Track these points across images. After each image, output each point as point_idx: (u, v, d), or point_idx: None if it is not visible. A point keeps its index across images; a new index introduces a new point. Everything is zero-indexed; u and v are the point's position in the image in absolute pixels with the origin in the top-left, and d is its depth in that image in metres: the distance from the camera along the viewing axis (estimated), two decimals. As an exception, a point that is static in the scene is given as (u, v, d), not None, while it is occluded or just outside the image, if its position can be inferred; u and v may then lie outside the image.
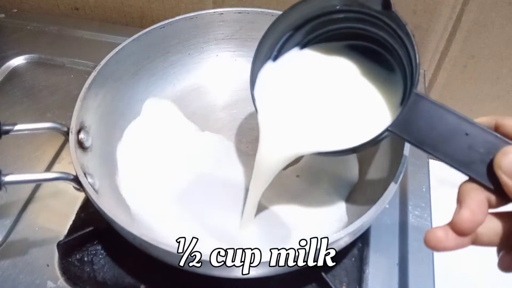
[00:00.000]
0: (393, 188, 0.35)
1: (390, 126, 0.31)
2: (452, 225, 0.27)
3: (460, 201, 0.28)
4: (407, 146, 0.37)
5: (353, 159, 0.47)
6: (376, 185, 0.42)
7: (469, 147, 0.28)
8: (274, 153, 0.37)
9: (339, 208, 0.43)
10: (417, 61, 0.31)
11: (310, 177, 0.45)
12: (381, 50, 0.38)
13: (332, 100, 0.38)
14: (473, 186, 0.28)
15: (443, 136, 0.29)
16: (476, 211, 0.27)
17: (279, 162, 0.37)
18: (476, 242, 0.28)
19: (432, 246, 0.28)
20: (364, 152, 0.46)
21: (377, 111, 0.36)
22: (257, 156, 0.38)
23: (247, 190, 0.45)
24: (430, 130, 0.29)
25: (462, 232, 0.27)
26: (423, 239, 0.28)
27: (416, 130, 0.30)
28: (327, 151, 0.36)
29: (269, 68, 0.40)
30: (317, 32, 0.40)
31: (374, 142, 0.33)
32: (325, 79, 0.39)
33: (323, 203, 0.44)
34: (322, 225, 0.41)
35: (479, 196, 0.27)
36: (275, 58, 0.41)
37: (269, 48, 0.40)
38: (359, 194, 0.44)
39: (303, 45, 0.41)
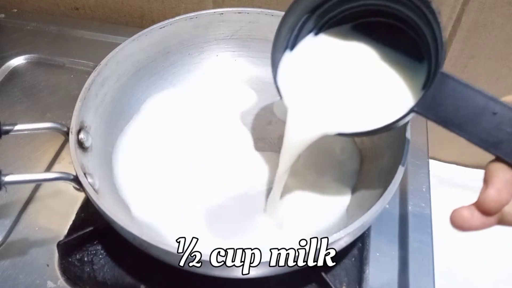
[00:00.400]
0: (400, 173, 0.35)
1: (416, 106, 0.31)
2: (478, 205, 0.27)
3: (486, 180, 0.28)
4: (409, 130, 0.38)
5: (355, 155, 0.47)
6: (377, 182, 0.42)
7: (497, 126, 0.28)
8: (301, 134, 0.38)
9: (345, 200, 0.44)
10: (443, 39, 0.30)
11: (314, 172, 0.46)
12: (403, 26, 0.37)
13: (354, 83, 0.38)
14: (500, 166, 0.28)
15: (470, 116, 0.29)
16: (502, 191, 0.27)
17: (305, 142, 0.38)
18: (501, 222, 0.28)
19: (458, 225, 0.28)
20: (366, 147, 0.47)
21: (399, 92, 0.35)
22: (284, 139, 0.39)
23: (249, 187, 0.45)
24: (457, 109, 0.29)
25: (488, 212, 0.27)
26: (449, 219, 0.28)
27: (442, 110, 0.30)
28: (352, 132, 0.36)
29: (288, 57, 0.40)
30: (335, 11, 0.39)
31: (399, 122, 0.33)
32: (345, 63, 0.39)
33: (329, 194, 0.44)
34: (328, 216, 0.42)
35: (505, 176, 0.27)
36: (292, 46, 0.40)
37: (288, 32, 0.40)
38: (361, 190, 0.44)
39: (319, 28, 0.40)
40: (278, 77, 0.40)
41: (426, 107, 0.30)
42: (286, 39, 0.40)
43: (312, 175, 0.45)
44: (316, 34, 0.41)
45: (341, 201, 0.44)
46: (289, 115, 0.38)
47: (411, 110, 0.32)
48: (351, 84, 0.38)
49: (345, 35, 0.40)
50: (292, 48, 0.41)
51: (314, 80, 0.39)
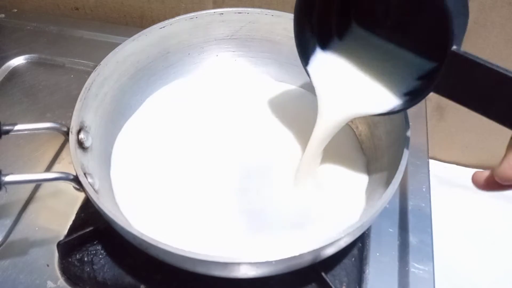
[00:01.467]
0: (400, 173, 0.36)
1: (432, 86, 0.31)
2: (495, 173, 0.30)
3: (506, 152, 0.30)
4: (409, 130, 0.39)
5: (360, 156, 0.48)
6: (377, 182, 0.42)
7: None
8: (335, 116, 0.41)
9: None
10: (449, 14, 0.28)
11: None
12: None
13: (377, 74, 0.40)
14: None
15: (486, 93, 0.28)
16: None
17: (338, 123, 0.41)
18: None
19: (477, 186, 0.32)
20: (366, 147, 0.48)
21: (416, 78, 0.37)
22: (317, 122, 0.42)
23: (246, 189, 0.45)
24: (472, 87, 0.29)
25: (502, 181, 0.30)
26: (471, 177, 0.32)
27: (458, 89, 0.30)
28: (378, 113, 0.38)
29: (320, 56, 0.42)
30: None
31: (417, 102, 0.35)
32: (367, 61, 0.41)
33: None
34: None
35: None
36: (322, 45, 0.42)
37: (308, 27, 0.41)
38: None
39: (339, 28, 0.42)
40: (310, 70, 0.42)
41: (443, 86, 0.30)
42: (310, 33, 0.41)
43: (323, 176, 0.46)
44: (340, 39, 0.42)
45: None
46: (323, 102, 0.41)
47: (427, 91, 0.32)
48: (373, 77, 0.40)
49: (366, 38, 0.42)
50: (323, 47, 0.42)
51: (343, 76, 0.41)
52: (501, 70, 0.27)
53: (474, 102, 0.29)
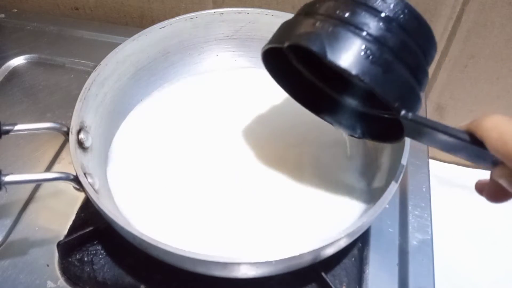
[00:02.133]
0: (400, 173, 0.36)
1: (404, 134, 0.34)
2: (484, 195, 0.33)
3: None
4: (407, 150, 0.39)
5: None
6: (377, 182, 0.42)
7: (461, 150, 0.31)
8: None
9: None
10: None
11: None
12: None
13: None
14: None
15: (445, 146, 0.32)
16: (494, 191, 0.32)
17: None
18: None
19: (478, 192, 0.35)
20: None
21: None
22: None
23: (246, 189, 0.45)
24: (432, 141, 0.33)
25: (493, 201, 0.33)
26: (474, 186, 0.35)
27: (424, 139, 0.33)
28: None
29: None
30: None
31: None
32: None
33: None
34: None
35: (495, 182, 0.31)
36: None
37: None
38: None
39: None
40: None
41: (411, 135, 0.34)
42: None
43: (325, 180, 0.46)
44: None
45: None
46: None
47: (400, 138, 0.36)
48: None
49: None
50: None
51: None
52: (452, 132, 0.30)
53: (439, 148, 0.33)
